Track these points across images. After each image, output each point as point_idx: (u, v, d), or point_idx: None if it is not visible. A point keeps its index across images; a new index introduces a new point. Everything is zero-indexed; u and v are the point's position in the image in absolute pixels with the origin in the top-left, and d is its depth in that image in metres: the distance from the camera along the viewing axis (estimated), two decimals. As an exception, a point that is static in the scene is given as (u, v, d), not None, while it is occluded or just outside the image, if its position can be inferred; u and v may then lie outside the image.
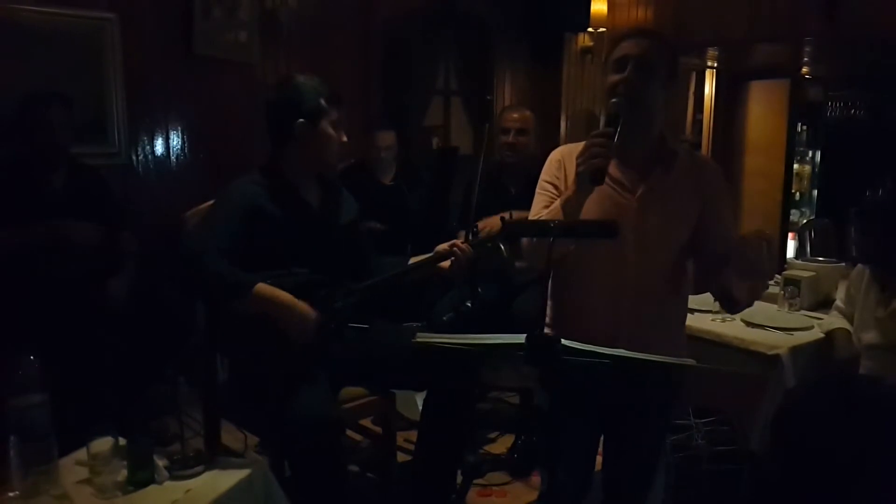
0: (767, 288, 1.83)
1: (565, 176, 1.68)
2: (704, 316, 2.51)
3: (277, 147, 2.04)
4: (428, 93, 4.49)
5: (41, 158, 2.51)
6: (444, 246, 2.02)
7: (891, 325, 2.15)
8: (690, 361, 1.45)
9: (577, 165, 1.54)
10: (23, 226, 2.38)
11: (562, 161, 1.71)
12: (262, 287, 1.84)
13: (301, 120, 1.97)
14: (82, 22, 3.02)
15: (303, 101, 1.97)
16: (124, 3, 3.11)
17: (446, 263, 2.01)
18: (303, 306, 1.86)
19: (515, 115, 3.12)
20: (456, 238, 2.93)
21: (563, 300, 1.74)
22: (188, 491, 1.49)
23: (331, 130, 2.01)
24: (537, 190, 1.73)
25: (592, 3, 4.25)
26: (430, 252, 2.06)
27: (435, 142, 4.61)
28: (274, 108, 2.03)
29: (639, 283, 1.64)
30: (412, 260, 2.11)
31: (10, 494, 1.39)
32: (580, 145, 1.62)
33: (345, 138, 2.07)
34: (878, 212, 2.21)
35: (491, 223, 2.92)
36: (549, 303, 1.78)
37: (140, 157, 3.28)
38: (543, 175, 1.74)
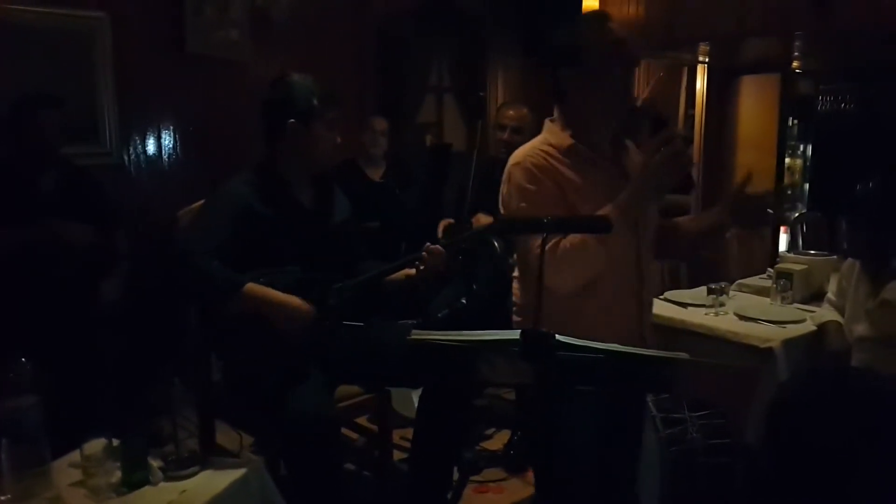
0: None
1: (556, 179, 1.62)
2: (697, 310, 2.52)
3: (270, 146, 2.03)
4: (421, 90, 4.48)
5: (32, 159, 2.50)
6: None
7: (880, 316, 2.16)
8: (683, 355, 1.46)
9: (664, 170, 1.51)
10: (15, 227, 2.37)
11: (541, 168, 1.62)
12: (253, 286, 1.83)
13: (292, 119, 1.96)
14: (73, 21, 3.00)
15: (295, 101, 1.96)
16: (115, 1, 3.09)
17: (412, 271, 1.99)
18: (295, 301, 1.86)
19: (512, 113, 3.11)
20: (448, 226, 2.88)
21: (576, 306, 1.61)
22: (183, 492, 1.49)
23: (323, 131, 2.00)
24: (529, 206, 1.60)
25: (584, -1, 4.25)
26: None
27: (428, 139, 4.60)
28: (267, 106, 2.02)
29: (647, 278, 1.69)
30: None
31: (3, 498, 1.38)
32: (532, 146, 1.65)
33: (339, 139, 2.06)
34: (867, 205, 2.22)
35: (480, 219, 2.92)
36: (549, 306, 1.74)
37: (132, 157, 3.27)
38: (530, 187, 1.61)
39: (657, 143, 1.52)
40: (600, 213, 1.54)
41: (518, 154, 1.68)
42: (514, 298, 1.78)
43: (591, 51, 1.61)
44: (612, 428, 1.74)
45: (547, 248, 1.47)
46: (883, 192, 2.21)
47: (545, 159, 1.63)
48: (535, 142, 1.70)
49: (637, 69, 1.64)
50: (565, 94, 1.66)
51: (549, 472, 1.69)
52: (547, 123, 1.73)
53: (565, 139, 1.65)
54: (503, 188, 1.69)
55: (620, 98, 1.65)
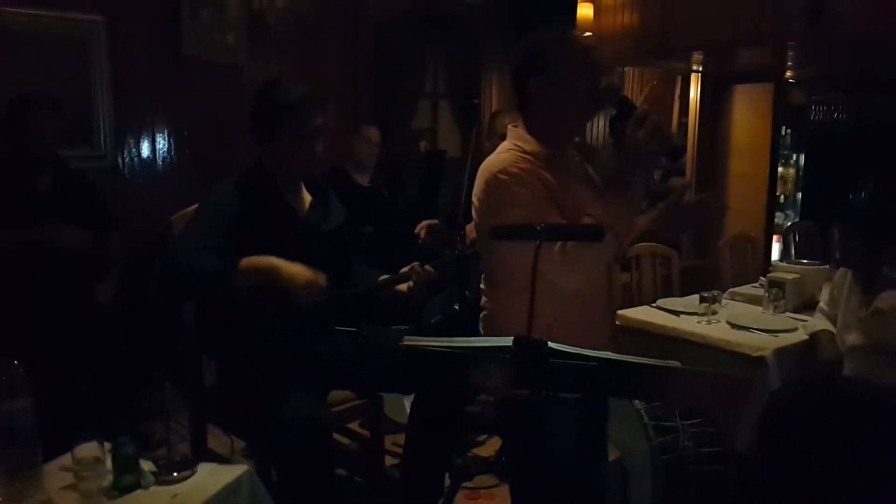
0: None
1: (542, 182, 1.62)
2: (689, 318, 2.53)
3: (258, 150, 2.04)
4: (416, 96, 4.49)
5: (28, 161, 2.49)
6: (406, 269, 2.02)
7: (873, 325, 2.18)
8: (675, 363, 1.47)
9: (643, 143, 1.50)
10: (9, 229, 2.36)
11: (527, 171, 1.61)
12: (248, 259, 1.82)
13: (279, 124, 1.96)
14: (68, 24, 3.00)
15: (283, 106, 1.96)
16: (111, 4, 3.09)
17: (403, 287, 2.01)
18: (291, 264, 1.83)
19: (507, 121, 3.12)
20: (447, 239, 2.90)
21: (557, 312, 1.59)
22: (174, 496, 1.48)
23: (309, 136, 1.99)
24: (525, 211, 1.55)
25: (579, 8, 4.27)
26: (417, 259, 2.06)
27: (423, 145, 4.61)
28: (255, 111, 2.02)
29: (615, 281, 1.73)
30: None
31: (-6, 501, 1.38)
32: (508, 152, 1.63)
33: (322, 146, 2.05)
34: (859, 214, 2.24)
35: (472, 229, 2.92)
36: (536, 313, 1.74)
37: (126, 160, 3.26)
38: (521, 190, 1.58)
39: (634, 123, 1.52)
40: (596, 199, 1.56)
41: (497, 162, 1.63)
42: (483, 312, 1.76)
43: (559, 59, 1.62)
44: (587, 437, 1.74)
45: (555, 247, 1.50)
46: (875, 202, 2.23)
47: (527, 163, 1.62)
48: (508, 147, 1.67)
49: (604, 77, 1.65)
50: (533, 101, 1.66)
51: (528, 482, 1.69)
52: (512, 129, 1.71)
53: (537, 146, 1.65)
54: (482, 197, 1.64)
55: (587, 105, 1.66)
